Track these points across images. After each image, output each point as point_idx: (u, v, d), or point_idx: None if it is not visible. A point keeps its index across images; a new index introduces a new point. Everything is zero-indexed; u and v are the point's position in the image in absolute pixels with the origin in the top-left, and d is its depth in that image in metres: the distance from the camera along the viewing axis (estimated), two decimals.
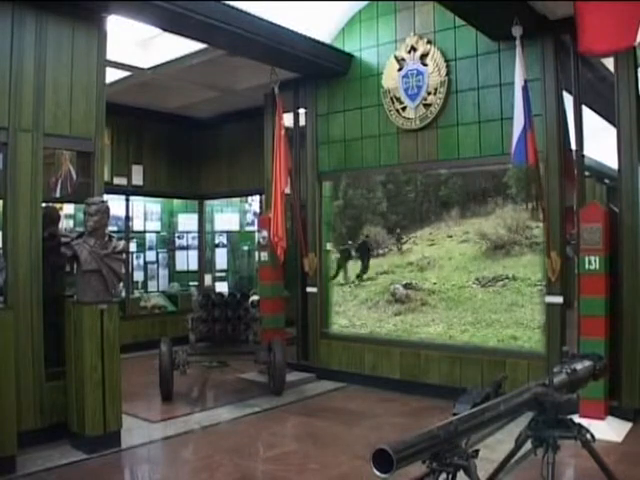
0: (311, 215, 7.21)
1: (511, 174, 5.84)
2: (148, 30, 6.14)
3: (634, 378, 5.03)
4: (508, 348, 5.76)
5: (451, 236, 6.27)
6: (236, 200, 10.67)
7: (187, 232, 10.24)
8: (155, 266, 9.84)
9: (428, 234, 6.43)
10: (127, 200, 9.10)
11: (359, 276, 6.92)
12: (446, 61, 6.13)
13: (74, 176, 5.47)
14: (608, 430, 4.67)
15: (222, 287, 10.17)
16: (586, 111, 5.57)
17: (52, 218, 5.07)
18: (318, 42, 6.57)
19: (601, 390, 4.76)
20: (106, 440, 4.50)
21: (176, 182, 9.67)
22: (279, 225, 6.44)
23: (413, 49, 6.33)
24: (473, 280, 6.09)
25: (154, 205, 9.85)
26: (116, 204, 8.52)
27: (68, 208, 7.86)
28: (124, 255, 6.42)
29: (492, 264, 5.99)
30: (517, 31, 4.90)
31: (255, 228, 9.95)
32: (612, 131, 5.28)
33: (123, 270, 5.17)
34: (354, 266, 6.96)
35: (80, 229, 5.27)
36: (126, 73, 7.19)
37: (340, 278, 7.06)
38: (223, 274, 10.61)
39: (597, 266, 4.98)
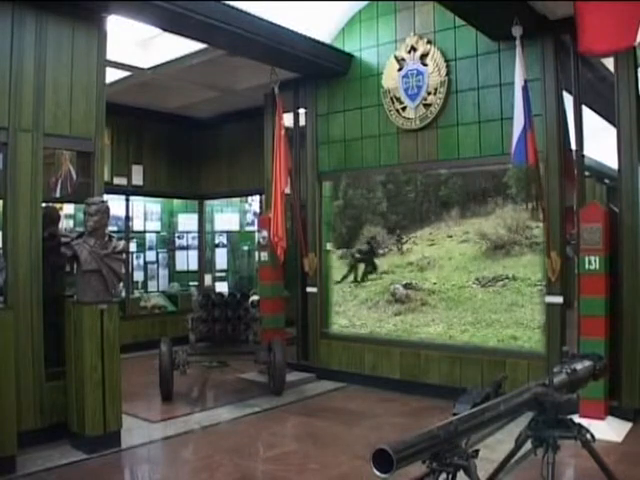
0: (311, 215, 7.21)
1: (511, 174, 5.83)
2: (148, 30, 6.14)
3: (634, 378, 5.03)
4: (508, 348, 5.76)
5: (451, 236, 6.27)
6: (236, 200, 10.68)
7: (187, 232, 10.24)
8: (155, 266, 9.85)
9: (428, 234, 6.43)
10: (127, 200, 9.10)
11: (365, 275, 6.90)
12: (446, 61, 6.13)
13: (74, 176, 5.47)
14: (608, 430, 4.67)
15: (222, 287, 10.17)
16: (586, 111, 5.57)
17: (52, 218, 5.07)
18: (318, 42, 6.57)
19: (601, 390, 4.76)
20: (106, 440, 4.50)
21: (176, 182, 9.67)
22: (279, 225, 6.44)
23: (413, 49, 6.33)
24: (473, 280, 6.09)
25: (154, 205, 9.85)
26: (116, 204, 8.52)
27: (68, 208, 7.86)
28: (124, 255, 6.41)
29: (492, 264, 5.98)
30: (517, 31, 4.90)
31: (255, 228, 9.95)
32: (612, 131, 5.28)
33: (123, 270, 5.17)
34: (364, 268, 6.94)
35: (80, 229, 5.26)
36: (126, 73, 7.19)
37: (351, 278, 7.02)
38: (223, 274, 10.61)
39: (597, 266, 4.98)
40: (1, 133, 4.41)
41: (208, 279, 10.26)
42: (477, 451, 2.15)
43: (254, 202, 10.50)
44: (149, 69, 7.06)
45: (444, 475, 2.04)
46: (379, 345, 6.61)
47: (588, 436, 2.71)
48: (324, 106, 7.17)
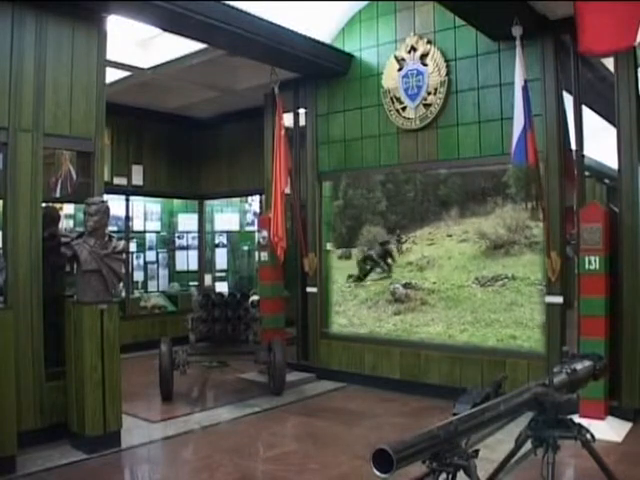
0: (311, 215, 7.21)
1: (510, 173, 5.83)
2: (148, 30, 6.14)
3: (634, 378, 5.03)
4: (508, 348, 5.76)
5: (451, 235, 6.27)
6: (236, 200, 10.68)
7: (187, 232, 10.24)
8: (155, 266, 9.85)
9: (427, 234, 6.43)
10: (127, 200, 9.10)
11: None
12: (446, 61, 6.13)
13: (74, 176, 5.47)
14: (608, 430, 4.67)
15: (222, 287, 10.17)
16: (586, 111, 5.57)
17: (52, 218, 5.06)
18: (318, 42, 6.57)
19: (601, 390, 4.76)
20: (106, 440, 4.50)
21: (176, 182, 9.67)
22: (279, 225, 6.44)
23: (413, 49, 6.33)
24: (472, 279, 6.09)
25: (154, 205, 9.85)
26: (116, 204, 8.52)
27: (68, 208, 7.86)
28: (124, 255, 6.43)
29: (491, 263, 5.99)
30: (517, 31, 4.90)
31: (255, 228, 9.95)
32: (612, 131, 5.28)
33: (123, 270, 5.17)
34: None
35: (80, 229, 5.27)
36: (126, 73, 7.19)
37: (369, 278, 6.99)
38: (223, 274, 10.61)
39: (597, 266, 4.98)
40: (1, 133, 4.41)
41: (208, 279, 10.26)
42: (477, 451, 2.14)
43: (254, 202, 10.49)
44: (149, 69, 7.06)
45: (444, 475, 2.04)
46: (379, 345, 6.61)
47: (588, 436, 2.71)
48: (324, 106, 7.17)
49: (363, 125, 6.84)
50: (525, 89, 4.87)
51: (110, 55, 5.32)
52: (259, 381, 6.74)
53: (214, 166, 9.79)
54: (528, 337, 5.67)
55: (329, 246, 7.18)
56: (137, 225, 9.57)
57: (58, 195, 5.81)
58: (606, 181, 7.61)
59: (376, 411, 5.71)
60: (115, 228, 8.61)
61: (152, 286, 9.71)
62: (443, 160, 6.23)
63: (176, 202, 10.21)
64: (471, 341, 6.02)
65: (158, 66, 6.97)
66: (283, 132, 6.50)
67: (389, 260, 6.67)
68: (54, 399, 4.61)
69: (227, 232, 10.68)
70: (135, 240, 9.52)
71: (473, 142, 5.99)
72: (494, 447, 3.56)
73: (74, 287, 4.77)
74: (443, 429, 1.98)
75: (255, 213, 10.48)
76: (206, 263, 10.32)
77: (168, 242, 10.10)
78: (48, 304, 4.64)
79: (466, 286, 6.12)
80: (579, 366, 2.89)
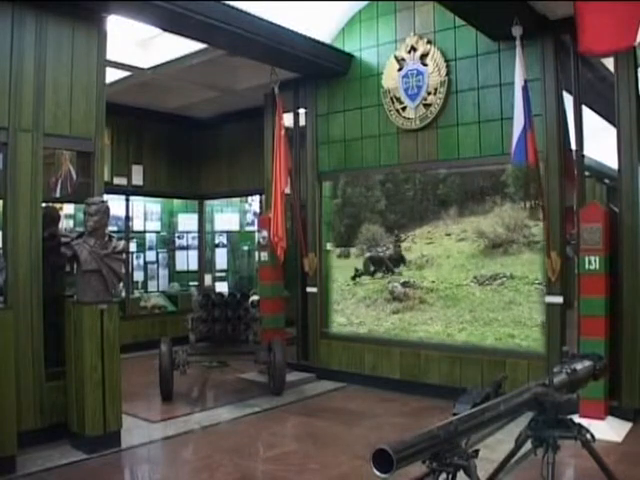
0: (311, 215, 7.21)
1: (509, 173, 5.84)
2: (148, 30, 6.14)
3: (634, 378, 5.03)
4: (508, 348, 5.76)
5: (449, 234, 6.28)
6: (236, 200, 10.68)
7: (187, 232, 10.24)
8: (155, 266, 9.85)
9: (426, 232, 6.44)
10: (127, 200, 9.10)
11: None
12: (446, 61, 6.13)
13: (74, 176, 5.47)
14: (608, 430, 4.67)
15: (222, 287, 10.17)
16: (586, 111, 5.57)
17: (52, 218, 5.06)
18: (318, 42, 6.57)
19: (601, 390, 4.76)
20: (106, 440, 4.50)
21: (176, 182, 9.67)
22: (279, 225, 6.44)
23: (413, 49, 6.33)
24: (471, 278, 6.10)
25: (154, 205, 9.85)
26: (116, 204, 8.52)
27: (68, 208, 7.86)
28: (124, 255, 6.42)
29: (490, 262, 5.99)
30: (517, 31, 4.90)
31: (255, 228, 9.95)
32: (612, 131, 5.28)
33: (123, 270, 5.17)
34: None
35: (80, 229, 5.26)
36: (126, 73, 7.19)
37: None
38: (223, 274, 10.61)
39: (597, 266, 4.98)
40: (1, 133, 4.41)
41: (208, 279, 10.26)
42: (477, 451, 2.14)
43: (254, 202, 10.50)
44: (149, 69, 7.06)
45: (444, 475, 2.04)
46: (379, 345, 6.61)
47: (588, 436, 2.71)
48: (324, 106, 7.17)
49: (363, 125, 6.84)
50: (525, 89, 4.87)
51: (110, 55, 5.32)
52: (259, 381, 6.74)
53: (214, 166, 9.79)
54: (526, 336, 5.68)
55: (329, 246, 7.19)
56: (137, 225, 9.57)
57: (58, 195, 5.81)
58: (606, 181, 7.61)
59: (376, 411, 5.71)
60: (115, 228, 8.61)
61: (152, 286, 9.71)
62: (443, 160, 6.23)
63: (176, 202, 10.21)
64: (470, 340, 6.02)
65: (158, 66, 6.97)
66: (283, 132, 6.50)
67: (400, 267, 6.61)
68: (54, 399, 4.61)
69: (227, 232, 10.68)
70: (135, 240, 9.52)
71: (473, 142, 5.99)
72: (494, 447, 3.56)
73: (74, 287, 4.77)
74: (443, 429, 1.98)
75: (255, 213, 10.48)
76: (206, 263, 10.32)
77: (168, 242, 10.10)
78: (48, 304, 4.64)
79: (464, 285, 6.13)
80: (579, 366, 2.89)
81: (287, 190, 6.62)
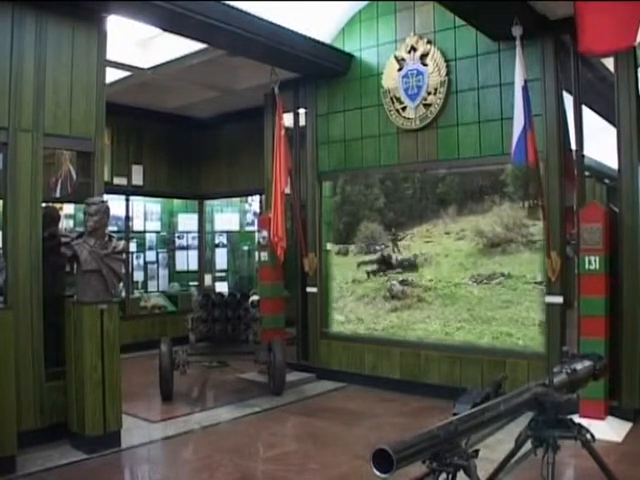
0: (311, 215, 7.21)
1: (508, 172, 5.84)
2: (148, 30, 6.14)
3: (634, 378, 5.03)
4: (508, 348, 5.76)
5: (448, 233, 6.28)
6: (236, 200, 10.67)
7: (187, 232, 10.24)
8: (155, 266, 9.85)
9: (425, 231, 6.44)
10: (127, 200, 9.10)
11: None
12: (446, 61, 6.13)
13: (74, 176, 5.47)
14: (608, 430, 4.67)
15: (222, 287, 10.17)
16: (586, 111, 5.57)
17: (52, 218, 5.06)
18: (318, 42, 6.57)
19: (601, 390, 4.76)
20: (106, 440, 4.50)
21: (176, 182, 9.67)
22: (279, 225, 6.44)
23: (413, 49, 6.33)
24: (469, 277, 6.10)
25: (154, 205, 9.85)
26: (116, 204, 8.52)
27: (68, 208, 7.86)
28: (124, 255, 6.42)
29: (488, 261, 5.99)
30: (517, 31, 4.90)
31: (255, 228, 9.95)
32: (612, 131, 5.28)
33: (123, 270, 5.17)
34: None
35: (80, 229, 5.26)
36: (126, 73, 7.19)
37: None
38: (223, 274, 10.61)
39: (597, 266, 4.98)
40: (1, 133, 4.41)
41: (208, 279, 10.26)
42: (477, 451, 2.14)
43: (254, 202, 10.49)
44: (149, 69, 7.06)
45: (444, 475, 2.04)
46: (379, 345, 6.61)
47: (588, 436, 2.71)
48: (324, 106, 7.17)
49: (363, 125, 6.84)
50: (525, 89, 4.87)
51: (110, 55, 5.32)
52: (259, 381, 6.74)
53: (214, 166, 9.79)
54: (524, 335, 5.68)
55: (329, 246, 7.19)
56: (137, 225, 9.57)
57: (58, 195, 5.81)
58: (606, 181, 7.61)
59: (376, 411, 5.71)
60: (115, 228, 8.61)
61: (152, 286, 9.71)
62: (443, 160, 6.23)
63: (176, 202, 10.21)
64: (468, 339, 6.02)
65: (158, 66, 6.97)
66: (283, 132, 6.50)
67: (415, 276, 6.55)
68: (54, 399, 4.61)
69: (227, 232, 10.68)
70: (135, 240, 9.52)
71: (473, 142, 5.99)
72: (494, 447, 3.56)
73: (74, 287, 4.77)
74: (443, 429, 1.98)
75: (255, 213, 10.48)
76: (206, 263, 10.32)
77: (168, 242, 10.10)
78: (48, 304, 4.64)
79: (462, 284, 6.14)
80: (579, 366, 2.89)
81: (287, 190, 6.62)
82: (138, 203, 9.51)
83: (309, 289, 7.20)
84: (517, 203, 5.81)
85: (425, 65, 6.25)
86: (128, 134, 9.00)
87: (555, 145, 5.45)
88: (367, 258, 6.86)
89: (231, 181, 9.60)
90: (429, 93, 6.23)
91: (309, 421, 5.48)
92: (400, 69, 6.44)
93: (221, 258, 10.59)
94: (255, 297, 7.05)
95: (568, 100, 5.47)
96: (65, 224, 7.65)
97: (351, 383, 6.68)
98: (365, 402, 6.05)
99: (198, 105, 8.87)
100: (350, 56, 6.89)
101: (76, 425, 4.51)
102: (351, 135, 6.95)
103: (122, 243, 4.94)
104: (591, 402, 4.83)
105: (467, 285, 6.10)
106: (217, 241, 10.59)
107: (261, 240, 7.22)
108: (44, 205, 4.83)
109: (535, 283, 5.64)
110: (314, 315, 7.17)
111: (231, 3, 5.45)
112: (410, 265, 6.53)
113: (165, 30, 5.72)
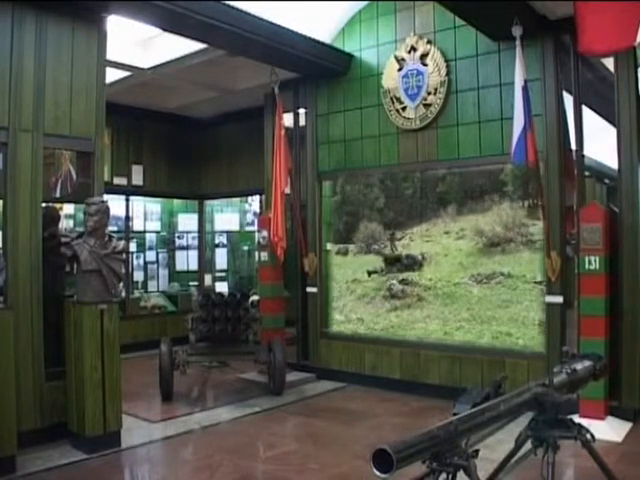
0: (311, 215, 7.21)
1: (508, 171, 5.85)
2: (148, 30, 6.14)
3: (634, 378, 5.03)
4: (508, 348, 5.76)
5: (448, 232, 6.28)
6: (236, 200, 10.67)
7: (187, 232, 10.24)
8: (155, 266, 9.85)
9: (425, 230, 6.44)
10: (127, 200, 9.10)
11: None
12: (446, 61, 6.13)
13: (74, 176, 5.46)
14: (608, 430, 4.68)
15: (222, 287, 10.17)
16: (586, 111, 5.57)
17: (52, 218, 5.06)
18: (318, 42, 6.57)
19: (601, 390, 4.77)
20: (106, 440, 4.50)
21: (176, 182, 9.67)
22: (279, 225, 6.44)
23: (413, 49, 6.33)
24: (468, 277, 6.10)
25: (154, 205, 9.85)
26: (116, 204, 8.53)
27: (68, 208, 7.86)
28: (124, 255, 6.42)
29: (487, 261, 6.00)
30: (517, 31, 4.90)
31: (255, 228, 9.95)
32: (612, 131, 5.28)
33: (123, 270, 5.17)
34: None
35: (80, 229, 5.26)
36: (126, 73, 7.19)
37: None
38: (223, 274, 10.60)
39: (597, 266, 4.98)
40: (1, 133, 4.41)
41: (208, 279, 10.26)
42: (477, 451, 2.14)
43: (254, 202, 10.49)
44: (149, 69, 7.06)
45: (444, 475, 2.04)
46: (379, 345, 6.61)
47: (588, 436, 2.70)
48: (324, 106, 7.17)
49: (363, 125, 6.84)
50: (525, 89, 4.87)
51: (110, 55, 5.32)
52: (259, 381, 6.74)
53: (214, 166, 9.79)
54: (524, 334, 5.69)
55: (329, 246, 7.19)
56: (137, 225, 9.57)
57: (58, 195, 5.80)
58: (606, 181, 7.61)
59: (376, 411, 5.71)
60: (115, 228, 8.61)
61: (152, 286, 9.71)
62: (443, 160, 6.23)
63: (176, 202, 10.21)
64: (467, 338, 6.02)
65: (158, 66, 6.97)
66: (283, 132, 6.50)
67: (415, 276, 6.54)
68: (54, 399, 4.60)
69: (227, 232, 10.68)
70: (135, 240, 9.52)
71: (473, 142, 5.99)
72: (494, 447, 3.56)
73: (74, 287, 4.77)
74: (443, 429, 1.98)
75: (255, 213, 10.47)
76: (206, 263, 10.32)
77: (168, 242, 10.10)
78: (48, 304, 4.64)
79: (462, 283, 6.14)
80: (579, 366, 2.89)
81: (287, 190, 6.62)
82: (138, 203, 9.51)
83: (309, 289, 7.20)
84: (517, 203, 5.81)
85: (425, 65, 6.25)
86: (128, 134, 9.00)
87: (555, 145, 5.45)
88: (367, 258, 6.87)
89: (231, 181, 9.59)
90: (429, 93, 6.23)
91: (309, 421, 5.48)
92: (400, 69, 6.44)
93: (221, 258, 10.59)
94: (255, 297, 7.06)
95: (568, 100, 5.47)
96: (65, 224, 7.65)
97: (351, 383, 6.68)
98: (365, 402, 6.05)
99: (198, 105, 8.87)
100: (350, 56, 6.89)
101: (76, 425, 4.51)
102: (351, 135, 6.95)
103: (122, 243, 4.94)
104: (591, 402, 4.83)
105: (467, 285, 6.11)
106: (217, 241, 10.59)
107: (261, 240, 7.23)
108: (44, 205, 4.83)
109: (535, 283, 5.65)
110: (314, 315, 7.17)
111: (231, 3, 5.45)
112: (410, 264, 6.53)
113: (165, 30, 5.72)
